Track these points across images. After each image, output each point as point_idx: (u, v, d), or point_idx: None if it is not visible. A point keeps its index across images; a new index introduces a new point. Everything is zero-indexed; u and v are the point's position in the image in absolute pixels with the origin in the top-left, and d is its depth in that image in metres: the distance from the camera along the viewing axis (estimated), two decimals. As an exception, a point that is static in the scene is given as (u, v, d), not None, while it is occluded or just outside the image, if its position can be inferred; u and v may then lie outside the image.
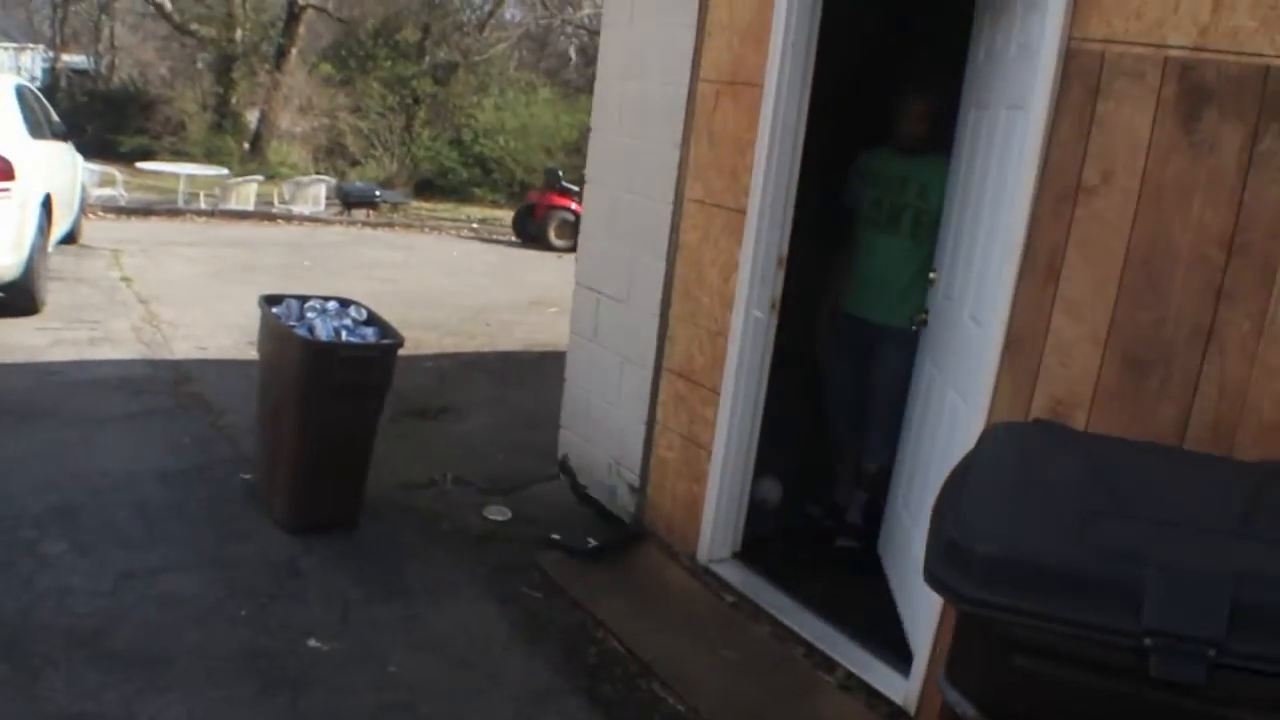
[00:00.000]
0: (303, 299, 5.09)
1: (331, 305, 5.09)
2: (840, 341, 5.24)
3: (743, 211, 4.51)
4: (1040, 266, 3.33)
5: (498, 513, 5.26)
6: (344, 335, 4.80)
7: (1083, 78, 3.20)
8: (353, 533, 4.88)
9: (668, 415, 5.03)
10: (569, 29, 30.79)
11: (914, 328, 4.71)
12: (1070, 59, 3.23)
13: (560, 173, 18.28)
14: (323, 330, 4.78)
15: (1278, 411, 2.82)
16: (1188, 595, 1.86)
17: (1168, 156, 3.01)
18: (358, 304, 5.16)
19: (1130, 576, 1.88)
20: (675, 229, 4.92)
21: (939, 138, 4.74)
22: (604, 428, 5.49)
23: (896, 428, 4.87)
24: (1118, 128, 3.12)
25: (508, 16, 32.28)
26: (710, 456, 4.73)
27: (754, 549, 4.88)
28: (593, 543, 4.91)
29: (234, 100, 25.48)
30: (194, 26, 25.08)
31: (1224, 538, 2.03)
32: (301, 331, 4.69)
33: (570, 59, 32.22)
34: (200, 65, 26.58)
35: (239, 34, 25.29)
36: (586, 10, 28.21)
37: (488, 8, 31.59)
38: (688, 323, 4.88)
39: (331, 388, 4.59)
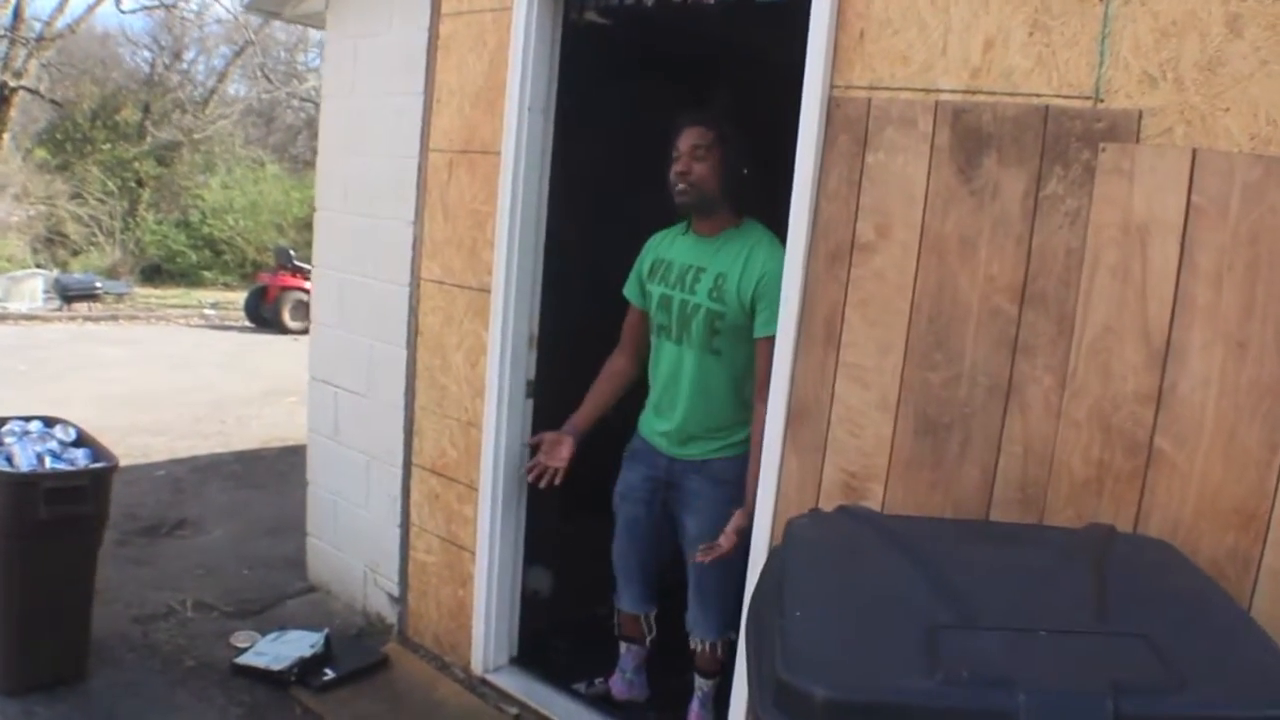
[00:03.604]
0: (0, 421, 4.45)
1: (35, 426, 4.42)
2: (632, 467, 3.90)
3: (487, 290, 4.14)
4: (819, 331, 3.09)
5: (246, 639, 4.68)
6: (49, 461, 4.17)
7: (849, 127, 2.98)
8: (82, 685, 4.21)
9: (423, 516, 4.59)
10: (295, 102, 30.29)
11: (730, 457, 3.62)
12: (835, 108, 3.00)
13: (292, 252, 17.65)
14: (23, 458, 4.12)
15: (1089, 468, 2.63)
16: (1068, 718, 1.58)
17: (947, 207, 2.81)
18: (65, 422, 4.51)
19: (999, 706, 1.58)
20: (414, 312, 4.51)
21: (747, 199, 3.56)
22: (355, 533, 5.00)
23: (729, 594, 3.57)
24: (890, 179, 2.91)
25: (231, 92, 31.73)
26: (475, 558, 4.31)
27: (534, 649, 4.47)
28: (329, 675, 4.34)
29: (-58, 190, 23.94)
30: (-104, 112, 23.44)
31: (1085, 639, 1.76)
32: (-2, 463, 4.06)
33: (299, 132, 31.70)
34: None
35: (-55, 119, 23.78)
36: (312, 82, 27.89)
37: (210, 83, 30.97)
38: (436, 414, 4.47)
39: (37, 524, 3.95)
